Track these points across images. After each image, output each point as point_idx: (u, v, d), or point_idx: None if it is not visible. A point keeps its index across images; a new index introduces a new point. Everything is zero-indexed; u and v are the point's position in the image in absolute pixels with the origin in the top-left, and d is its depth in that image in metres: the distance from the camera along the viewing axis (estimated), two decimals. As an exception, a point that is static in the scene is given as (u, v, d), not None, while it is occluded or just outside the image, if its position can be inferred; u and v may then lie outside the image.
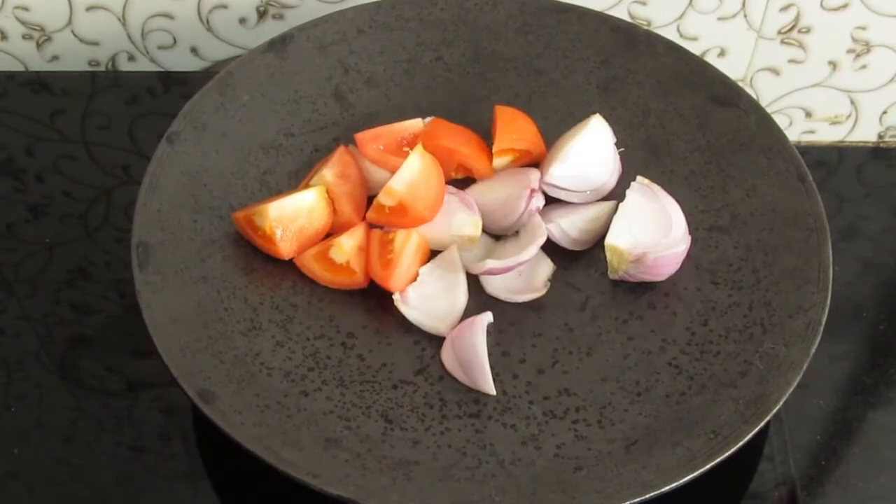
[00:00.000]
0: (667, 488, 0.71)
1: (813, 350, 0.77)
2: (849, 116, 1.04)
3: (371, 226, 0.84)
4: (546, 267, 0.85)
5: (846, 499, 0.81)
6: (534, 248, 0.83)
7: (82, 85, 1.04)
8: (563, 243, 0.86)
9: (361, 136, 0.89)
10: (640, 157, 0.91)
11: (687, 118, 0.92)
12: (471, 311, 0.83)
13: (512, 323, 0.83)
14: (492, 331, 0.82)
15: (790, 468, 0.82)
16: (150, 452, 0.81)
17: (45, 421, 0.83)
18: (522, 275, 0.85)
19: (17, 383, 0.84)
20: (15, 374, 0.85)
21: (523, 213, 0.85)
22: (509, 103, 0.93)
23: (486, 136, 0.90)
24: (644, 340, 0.82)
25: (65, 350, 0.86)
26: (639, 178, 0.87)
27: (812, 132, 1.06)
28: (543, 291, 0.84)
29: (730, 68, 0.99)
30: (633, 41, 0.94)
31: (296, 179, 0.89)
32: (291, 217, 0.83)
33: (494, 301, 0.84)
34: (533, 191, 0.85)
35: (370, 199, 0.87)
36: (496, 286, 0.84)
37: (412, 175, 0.84)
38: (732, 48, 1.01)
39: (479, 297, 0.84)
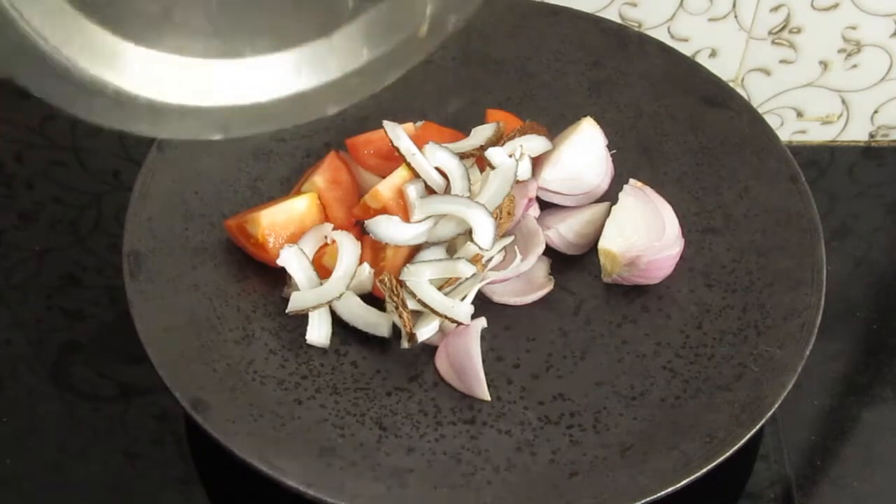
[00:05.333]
0: (663, 493, 0.71)
1: (807, 352, 0.77)
2: (840, 116, 1.04)
3: (363, 231, 0.83)
4: (541, 263, 0.85)
5: (841, 498, 0.81)
6: (533, 258, 0.83)
7: (72, 91, 1.03)
8: (562, 248, 0.86)
9: (353, 142, 0.89)
10: (632, 159, 0.91)
11: (679, 119, 0.92)
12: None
13: (506, 328, 0.83)
14: (486, 336, 0.81)
15: (785, 468, 0.82)
16: (143, 458, 0.81)
17: (37, 427, 0.82)
18: (521, 277, 0.85)
19: (9, 390, 0.84)
20: (7, 380, 0.85)
21: (519, 220, 0.85)
22: (501, 106, 0.93)
23: (477, 139, 0.90)
24: (638, 344, 0.82)
25: (57, 356, 0.86)
26: (631, 180, 0.87)
27: (803, 132, 1.06)
28: (551, 286, 0.84)
29: (721, 69, 0.99)
30: (624, 43, 0.94)
31: (287, 185, 0.89)
32: (283, 224, 0.83)
33: (488, 306, 0.83)
34: (530, 200, 0.85)
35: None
36: (502, 294, 0.84)
37: (400, 183, 0.84)
38: (723, 49, 1.01)
39: (473, 302, 0.83)
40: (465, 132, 0.89)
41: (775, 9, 0.97)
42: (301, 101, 0.62)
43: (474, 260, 0.81)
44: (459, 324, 0.80)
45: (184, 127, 0.60)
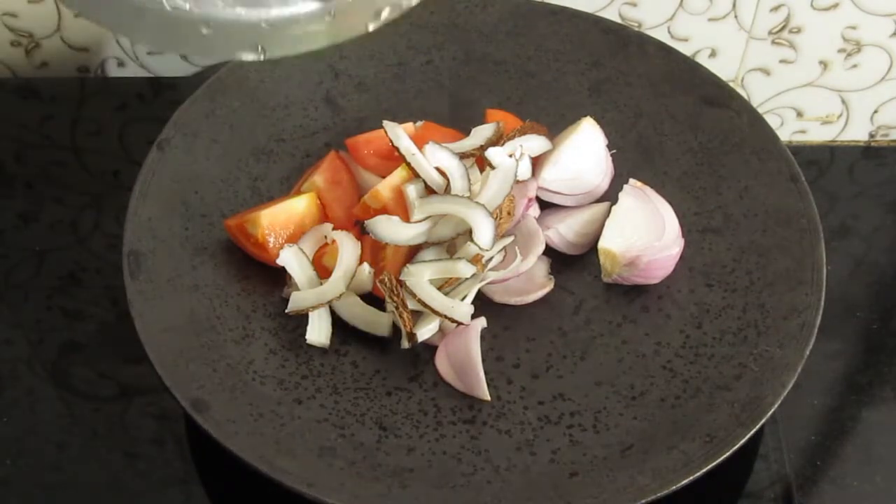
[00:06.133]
0: (663, 493, 0.71)
1: (807, 352, 0.77)
2: (840, 116, 1.04)
3: (362, 231, 0.83)
4: (541, 263, 0.85)
5: (841, 498, 0.81)
6: (532, 258, 0.83)
7: (71, 91, 1.03)
8: (562, 248, 0.86)
9: (353, 142, 0.89)
10: (632, 159, 0.91)
11: (679, 119, 0.92)
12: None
13: (506, 327, 0.83)
14: (486, 336, 0.81)
15: (785, 468, 0.82)
16: (143, 458, 0.81)
17: (37, 427, 0.82)
18: (521, 277, 0.85)
19: (9, 390, 0.84)
20: (7, 380, 0.84)
21: (519, 220, 0.85)
22: (501, 106, 0.93)
23: (477, 139, 0.90)
24: (638, 344, 0.82)
25: (57, 356, 0.86)
26: (631, 180, 0.87)
27: (803, 132, 1.06)
28: (551, 285, 0.84)
29: (721, 69, 0.99)
30: (624, 43, 0.94)
31: (287, 185, 0.89)
32: (283, 224, 0.83)
33: (488, 305, 0.83)
34: (530, 200, 0.85)
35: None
36: (502, 294, 0.84)
37: (400, 182, 0.84)
38: (723, 49, 1.01)
39: (473, 301, 0.83)
40: (465, 132, 0.89)
41: (775, 9, 0.97)
42: (339, 14, 0.63)
43: (474, 260, 0.81)
44: (459, 324, 0.80)
45: (219, 45, 0.62)
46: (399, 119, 0.88)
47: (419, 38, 0.95)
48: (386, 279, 0.79)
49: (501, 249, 0.83)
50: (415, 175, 0.85)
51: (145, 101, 1.03)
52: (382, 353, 0.81)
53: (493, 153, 0.84)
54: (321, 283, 0.82)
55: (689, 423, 0.76)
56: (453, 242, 0.83)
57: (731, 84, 0.98)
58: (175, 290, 0.81)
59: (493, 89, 0.95)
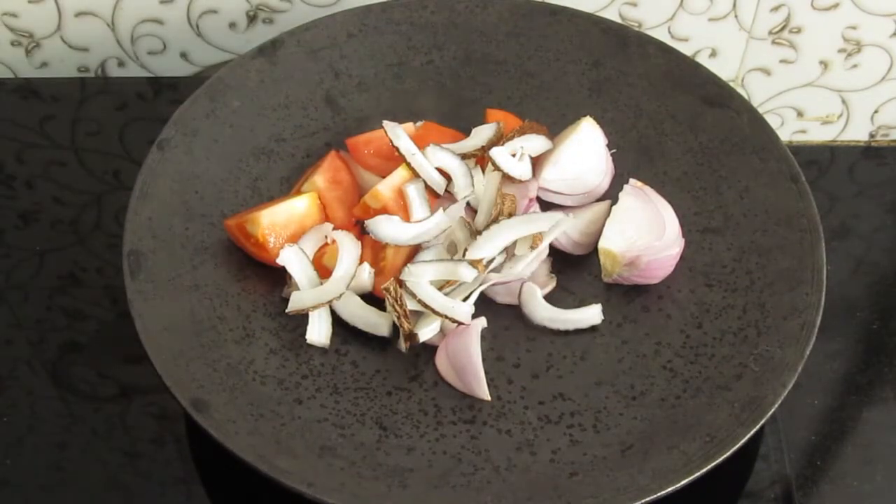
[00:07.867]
0: (663, 493, 0.71)
1: (808, 352, 0.77)
2: (840, 116, 1.04)
3: (362, 231, 0.83)
4: (543, 262, 0.85)
5: (841, 498, 0.81)
6: (535, 263, 0.83)
7: (72, 91, 1.03)
8: (568, 248, 0.86)
9: (353, 141, 0.89)
10: (632, 159, 0.91)
11: (679, 119, 0.91)
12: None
13: (506, 327, 0.83)
14: (486, 335, 0.81)
15: (785, 467, 0.82)
16: (143, 458, 0.81)
17: (37, 427, 0.82)
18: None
19: (9, 390, 0.84)
20: (7, 380, 0.85)
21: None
22: (501, 106, 0.93)
23: (477, 139, 0.90)
24: (638, 344, 0.82)
25: (57, 356, 0.86)
26: (631, 180, 0.87)
27: (804, 132, 1.06)
28: (553, 284, 0.84)
29: (721, 69, 0.99)
30: (625, 43, 0.94)
31: (287, 185, 0.89)
32: (284, 224, 0.83)
33: (489, 305, 0.83)
34: (531, 200, 0.85)
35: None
36: (503, 293, 0.84)
37: (400, 182, 0.84)
38: (724, 49, 1.01)
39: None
40: (466, 132, 0.89)
41: (775, 9, 0.97)
42: None
43: (475, 262, 0.81)
44: (460, 324, 0.80)
45: None
46: (399, 119, 0.88)
47: (419, 38, 0.95)
48: (391, 288, 0.79)
49: (503, 251, 0.83)
50: (415, 175, 0.85)
51: (146, 101, 1.03)
52: (382, 353, 0.81)
53: (496, 153, 0.84)
54: (321, 283, 0.82)
55: (689, 423, 0.76)
56: (453, 242, 0.83)
57: (732, 84, 0.98)
58: (175, 290, 0.81)
59: (493, 89, 0.95)
